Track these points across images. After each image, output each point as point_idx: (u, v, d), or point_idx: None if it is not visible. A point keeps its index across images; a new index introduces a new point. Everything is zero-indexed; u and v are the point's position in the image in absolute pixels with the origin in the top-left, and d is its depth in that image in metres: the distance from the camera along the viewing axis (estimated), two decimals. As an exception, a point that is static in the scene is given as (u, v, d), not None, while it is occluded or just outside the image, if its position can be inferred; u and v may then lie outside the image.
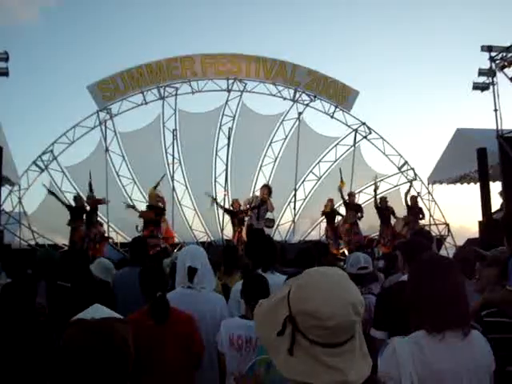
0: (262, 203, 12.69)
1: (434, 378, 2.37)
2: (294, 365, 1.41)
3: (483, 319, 2.79)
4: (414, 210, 15.55)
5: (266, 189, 13.13)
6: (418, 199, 16.78)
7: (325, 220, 16.50)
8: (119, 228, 17.06)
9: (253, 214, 12.75)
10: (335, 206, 16.29)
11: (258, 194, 13.22)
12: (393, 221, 15.71)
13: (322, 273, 1.48)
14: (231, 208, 14.96)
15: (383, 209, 15.52)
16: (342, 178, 15.82)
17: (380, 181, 18.91)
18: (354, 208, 15.44)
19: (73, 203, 14.56)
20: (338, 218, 16.12)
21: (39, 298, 4.69)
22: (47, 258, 5.16)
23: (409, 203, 15.62)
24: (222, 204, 15.89)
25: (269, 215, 13.82)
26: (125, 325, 1.88)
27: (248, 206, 13.56)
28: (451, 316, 2.45)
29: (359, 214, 15.39)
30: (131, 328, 1.89)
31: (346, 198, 15.51)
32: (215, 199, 15.48)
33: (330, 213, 15.60)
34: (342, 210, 16.33)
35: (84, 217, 14.28)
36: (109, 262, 6.22)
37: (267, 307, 1.52)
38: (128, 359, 1.81)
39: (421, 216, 15.76)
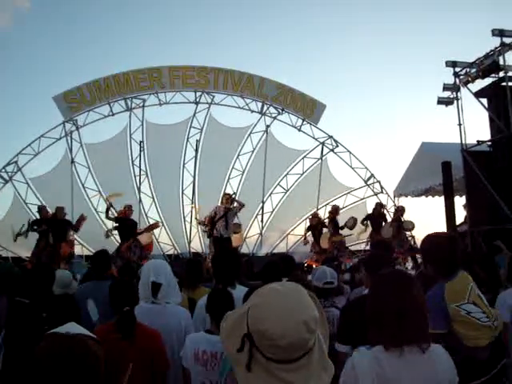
0: (227, 211, 12.71)
1: (393, 393, 2.39)
2: (251, 380, 1.45)
3: None
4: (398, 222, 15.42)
5: (226, 197, 13.17)
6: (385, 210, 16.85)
7: (296, 232, 16.36)
8: (84, 240, 16.81)
9: (221, 225, 12.75)
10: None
11: (219, 204, 13.14)
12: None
13: (276, 291, 1.51)
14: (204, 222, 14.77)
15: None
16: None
17: (347, 193, 19.11)
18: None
19: (37, 215, 14.24)
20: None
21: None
22: (7, 272, 5.05)
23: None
24: (189, 217, 15.81)
25: (235, 221, 13.76)
26: (98, 344, 1.89)
27: (210, 218, 13.39)
28: (408, 332, 2.46)
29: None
30: (103, 348, 1.89)
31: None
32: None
33: (316, 226, 15.47)
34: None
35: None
36: (67, 274, 6.05)
37: (231, 322, 1.56)
38: (99, 377, 1.81)
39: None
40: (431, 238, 3.93)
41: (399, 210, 15.70)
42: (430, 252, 3.84)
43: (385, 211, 15.76)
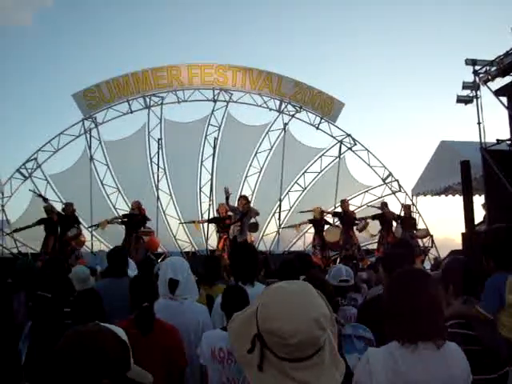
0: (244, 215, 12.72)
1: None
2: (264, 380, 1.43)
3: (448, 329, 2.83)
4: (408, 221, 15.30)
5: (244, 200, 13.17)
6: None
7: (312, 229, 16.25)
8: (103, 237, 16.94)
9: (236, 229, 12.81)
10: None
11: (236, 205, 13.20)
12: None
13: (285, 289, 1.50)
14: (217, 213, 14.82)
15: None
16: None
17: (364, 192, 19.03)
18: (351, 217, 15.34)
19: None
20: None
21: (17, 307, 4.65)
22: (26, 268, 5.11)
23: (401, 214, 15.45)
24: (207, 214, 15.84)
25: (252, 220, 13.75)
26: (125, 346, 1.92)
27: (231, 216, 13.53)
28: (424, 328, 2.47)
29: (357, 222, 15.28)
30: (129, 351, 1.90)
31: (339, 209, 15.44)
32: None
33: (318, 221, 15.41)
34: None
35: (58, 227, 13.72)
36: (84, 270, 6.07)
37: (239, 323, 1.54)
38: (112, 374, 1.82)
39: (415, 227, 15.55)
40: (490, 232, 3.98)
41: (406, 208, 15.63)
42: (489, 246, 3.88)
43: (390, 209, 15.54)
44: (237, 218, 12.82)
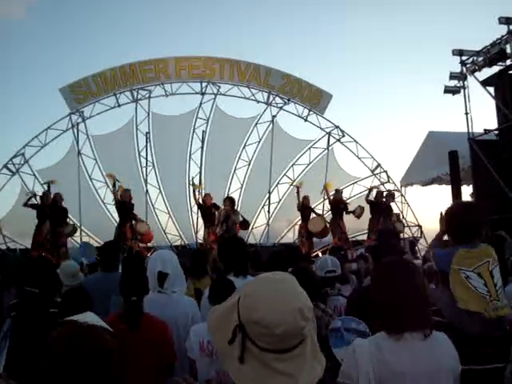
0: (227, 218, 12.90)
1: (393, 378, 2.41)
2: (245, 372, 1.42)
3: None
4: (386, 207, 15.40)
5: (228, 202, 13.39)
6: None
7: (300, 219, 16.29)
8: (92, 232, 16.87)
9: (222, 230, 13.02)
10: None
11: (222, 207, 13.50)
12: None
13: (269, 280, 1.49)
14: (202, 203, 14.83)
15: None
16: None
17: (353, 183, 19.07)
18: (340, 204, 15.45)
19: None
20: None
21: (8, 303, 4.63)
22: (18, 264, 5.09)
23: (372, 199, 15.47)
24: (196, 208, 15.83)
25: (240, 218, 13.91)
26: (112, 337, 1.91)
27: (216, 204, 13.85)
28: (410, 317, 2.48)
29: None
30: (116, 342, 1.90)
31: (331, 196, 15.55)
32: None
33: (305, 209, 15.46)
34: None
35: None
36: (73, 265, 6.06)
37: (220, 314, 1.52)
38: (109, 369, 1.82)
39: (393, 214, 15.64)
40: (450, 207, 3.87)
41: (390, 196, 15.71)
42: (447, 221, 3.80)
43: (384, 200, 15.57)
44: (221, 220, 13.08)
